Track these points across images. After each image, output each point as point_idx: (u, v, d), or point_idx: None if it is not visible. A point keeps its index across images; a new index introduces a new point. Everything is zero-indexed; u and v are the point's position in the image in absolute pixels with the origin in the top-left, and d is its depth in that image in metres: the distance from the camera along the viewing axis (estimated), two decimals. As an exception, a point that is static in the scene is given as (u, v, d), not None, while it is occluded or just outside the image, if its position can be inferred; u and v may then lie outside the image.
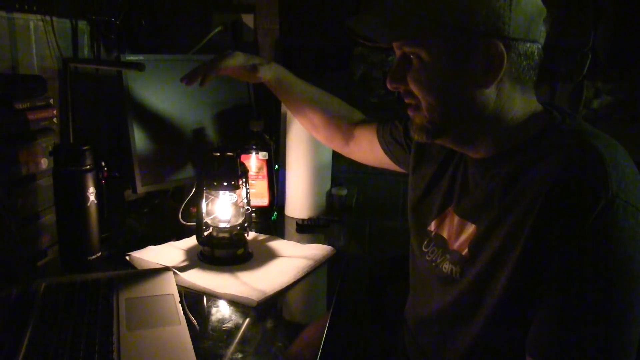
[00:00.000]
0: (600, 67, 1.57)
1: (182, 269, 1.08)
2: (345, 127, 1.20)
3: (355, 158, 1.24)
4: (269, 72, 1.18)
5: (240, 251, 1.15)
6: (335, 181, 1.51)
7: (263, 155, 1.41)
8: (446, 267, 0.84)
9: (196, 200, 1.16)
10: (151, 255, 1.13)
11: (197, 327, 0.88)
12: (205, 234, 1.16)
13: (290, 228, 1.39)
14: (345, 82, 1.71)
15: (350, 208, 1.52)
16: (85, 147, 1.04)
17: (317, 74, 1.75)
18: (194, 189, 1.18)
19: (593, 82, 1.59)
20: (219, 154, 1.14)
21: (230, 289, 1.00)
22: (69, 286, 0.95)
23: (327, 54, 1.76)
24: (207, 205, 1.16)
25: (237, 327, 0.89)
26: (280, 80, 1.19)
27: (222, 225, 1.16)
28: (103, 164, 1.15)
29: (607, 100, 1.60)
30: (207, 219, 1.16)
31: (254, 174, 1.41)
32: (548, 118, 0.76)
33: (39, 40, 1.23)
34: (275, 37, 1.76)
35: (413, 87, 0.76)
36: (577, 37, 1.55)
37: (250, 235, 1.21)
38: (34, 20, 1.21)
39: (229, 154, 1.14)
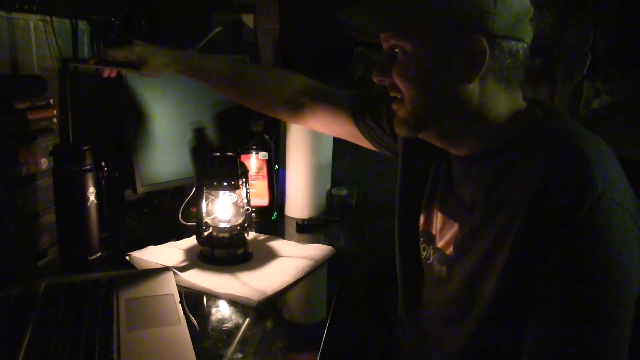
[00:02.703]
0: (600, 67, 1.57)
1: (182, 269, 1.08)
2: (290, 97, 1.13)
3: (313, 129, 1.20)
4: (160, 58, 1.11)
5: (240, 251, 1.15)
6: (335, 181, 1.51)
7: (263, 155, 1.41)
8: (435, 265, 0.84)
9: (196, 200, 1.16)
10: (151, 255, 1.13)
11: (197, 327, 0.88)
12: (205, 234, 1.16)
13: (290, 228, 1.39)
14: (345, 82, 1.71)
15: (350, 208, 1.52)
16: (85, 147, 1.04)
17: (317, 74, 1.75)
18: (194, 189, 1.18)
19: (593, 82, 1.59)
20: (219, 154, 1.14)
21: (230, 289, 1.00)
22: (69, 286, 0.95)
23: (327, 54, 1.76)
24: (207, 205, 1.16)
25: (237, 327, 0.89)
26: (185, 65, 1.13)
27: (222, 225, 1.16)
28: (103, 164, 1.15)
29: (607, 100, 1.60)
30: (207, 219, 1.16)
31: (254, 174, 1.41)
32: (531, 116, 0.76)
33: (39, 40, 1.23)
34: (275, 37, 1.76)
35: (397, 80, 0.76)
36: (577, 37, 1.55)
37: (250, 235, 1.21)
38: (34, 20, 1.21)
39: (229, 154, 1.14)
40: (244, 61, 1.21)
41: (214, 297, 0.99)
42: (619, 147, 0.73)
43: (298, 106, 1.13)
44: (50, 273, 1.06)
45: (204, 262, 1.13)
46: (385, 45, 0.79)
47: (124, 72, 1.20)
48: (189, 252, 1.18)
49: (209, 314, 0.94)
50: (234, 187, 1.15)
